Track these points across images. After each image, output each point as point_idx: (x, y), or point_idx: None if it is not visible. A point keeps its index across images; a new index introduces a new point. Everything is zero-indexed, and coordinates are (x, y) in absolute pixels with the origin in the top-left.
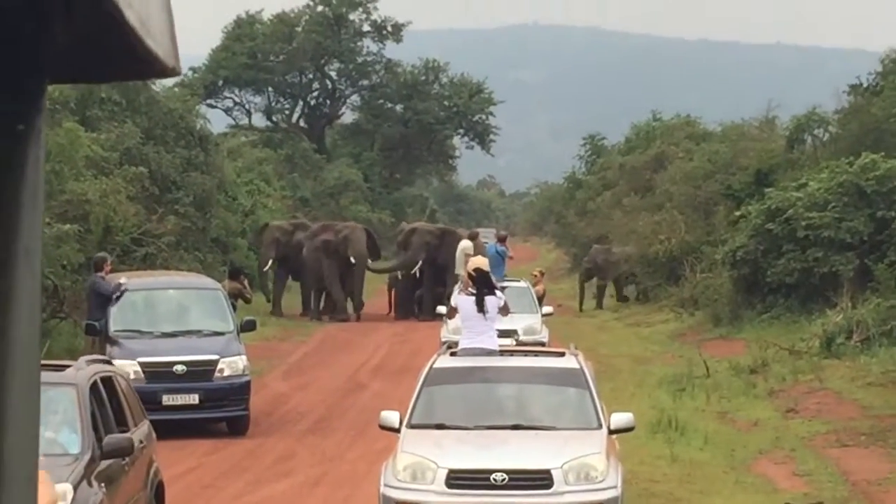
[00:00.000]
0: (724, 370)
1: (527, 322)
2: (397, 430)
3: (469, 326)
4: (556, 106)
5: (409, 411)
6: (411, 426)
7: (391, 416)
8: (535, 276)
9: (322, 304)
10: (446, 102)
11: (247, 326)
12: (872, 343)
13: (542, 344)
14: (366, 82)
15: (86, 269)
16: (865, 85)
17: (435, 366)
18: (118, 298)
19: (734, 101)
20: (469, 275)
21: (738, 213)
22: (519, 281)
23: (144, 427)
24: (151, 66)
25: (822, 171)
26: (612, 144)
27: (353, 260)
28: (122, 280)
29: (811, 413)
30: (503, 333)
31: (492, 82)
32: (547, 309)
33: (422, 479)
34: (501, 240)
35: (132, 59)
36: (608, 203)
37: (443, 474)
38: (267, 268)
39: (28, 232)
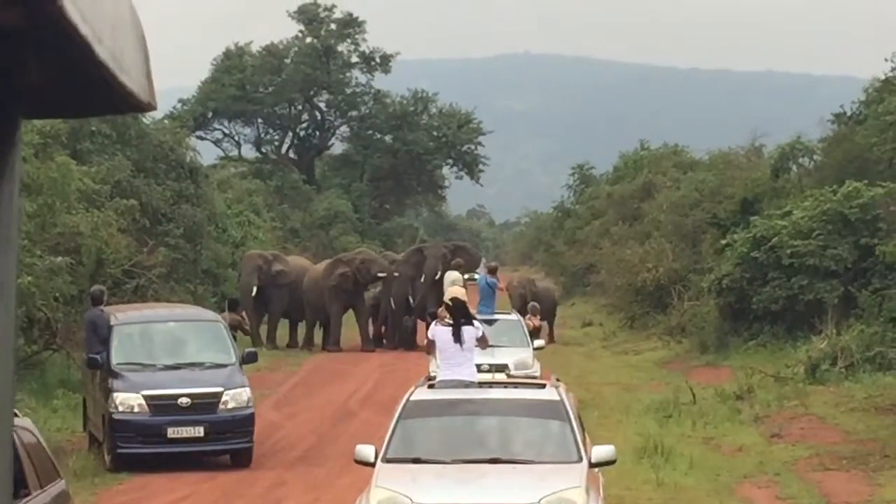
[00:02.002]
0: (710, 397)
1: (518, 356)
2: (373, 465)
3: (446, 357)
4: (546, 135)
5: (384, 445)
6: (387, 460)
7: (366, 451)
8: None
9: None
10: (435, 133)
11: (248, 358)
12: (856, 369)
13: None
14: (355, 113)
15: (78, 302)
16: (849, 114)
17: (411, 398)
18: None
19: (726, 130)
20: (446, 305)
21: (724, 242)
22: (510, 314)
23: (55, 489)
24: (126, 102)
25: (807, 199)
26: (600, 174)
27: (382, 274)
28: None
29: (795, 438)
30: (495, 368)
31: (482, 111)
32: (539, 342)
33: None
34: (492, 271)
35: (106, 95)
36: (597, 232)
37: None
38: (253, 295)
39: (1, 266)
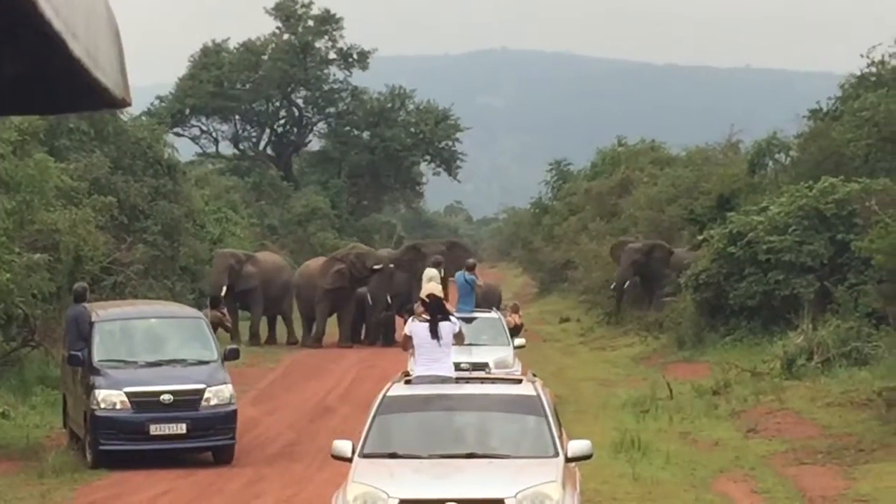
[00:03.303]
0: (687, 392)
1: (498, 355)
2: (350, 460)
3: (423, 353)
4: (523, 131)
5: (361, 440)
6: (364, 455)
7: (343, 446)
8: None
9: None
10: (413, 129)
11: (230, 355)
12: (832, 364)
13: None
14: (332, 110)
15: (57, 298)
16: (826, 110)
17: (388, 394)
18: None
19: (704, 126)
20: (422, 301)
21: (700, 237)
22: (490, 311)
23: None
24: (101, 98)
25: (783, 195)
26: (578, 170)
27: (378, 267)
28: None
29: (771, 433)
30: (475, 366)
31: (459, 108)
32: (519, 341)
33: None
34: (470, 268)
35: (81, 91)
36: (574, 228)
37: None
38: (223, 294)
39: None
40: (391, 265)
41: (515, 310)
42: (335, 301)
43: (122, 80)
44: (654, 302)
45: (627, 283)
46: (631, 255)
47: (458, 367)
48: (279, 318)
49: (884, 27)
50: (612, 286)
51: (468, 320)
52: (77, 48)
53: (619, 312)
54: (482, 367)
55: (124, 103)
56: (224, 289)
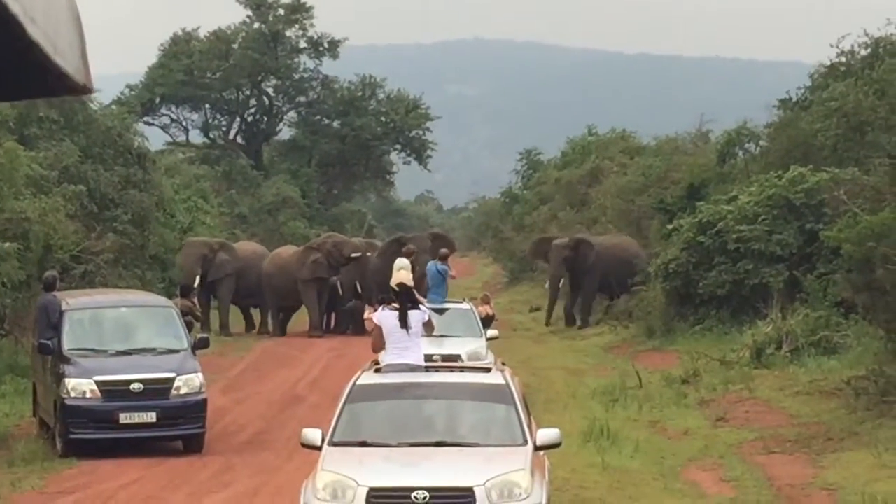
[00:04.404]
0: (656, 381)
1: (471, 346)
2: (319, 448)
3: (393, 342)
4: (494, 120)
5: (330, 429)
6: (333, 444)
7: (313, 434)
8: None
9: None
10: (383, 118)
11: (200, 344)
12: (801, 353)
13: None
14: (303, 99)
15: (27, 287)
16: (795, 99)
17: (358, 382)
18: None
19: (675, 115)
20: (392, 290)
21: (670, 227)
22: (461, 302)
23: None
24: (63, 84)
25: (752, 184)
26: (548, 159)
27: (354, 255)
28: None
29: (740, 421)
30: (447, 358)
31: (430, 97)
32: (492, 332)
33: (342, 498)
34: (443, 258)
35: (42, 77)
36: (544, 217)
37: (363, 493)
38: (196, 284)
39: None
40: (367, 253)
41: (487, 300)
42: (318, 289)
43: (84, 65)
44: (583, 296)
45: (562, 281)
46: (560, 253)
47: (429, 358)
48: (254, 307)
49: (853, 17)
50: (546, 286)
51: (440, 311)
52: (36, 32)
53: (552, 312)
54: (454, 358)
55: (86, 89)
56: (198, 279)
